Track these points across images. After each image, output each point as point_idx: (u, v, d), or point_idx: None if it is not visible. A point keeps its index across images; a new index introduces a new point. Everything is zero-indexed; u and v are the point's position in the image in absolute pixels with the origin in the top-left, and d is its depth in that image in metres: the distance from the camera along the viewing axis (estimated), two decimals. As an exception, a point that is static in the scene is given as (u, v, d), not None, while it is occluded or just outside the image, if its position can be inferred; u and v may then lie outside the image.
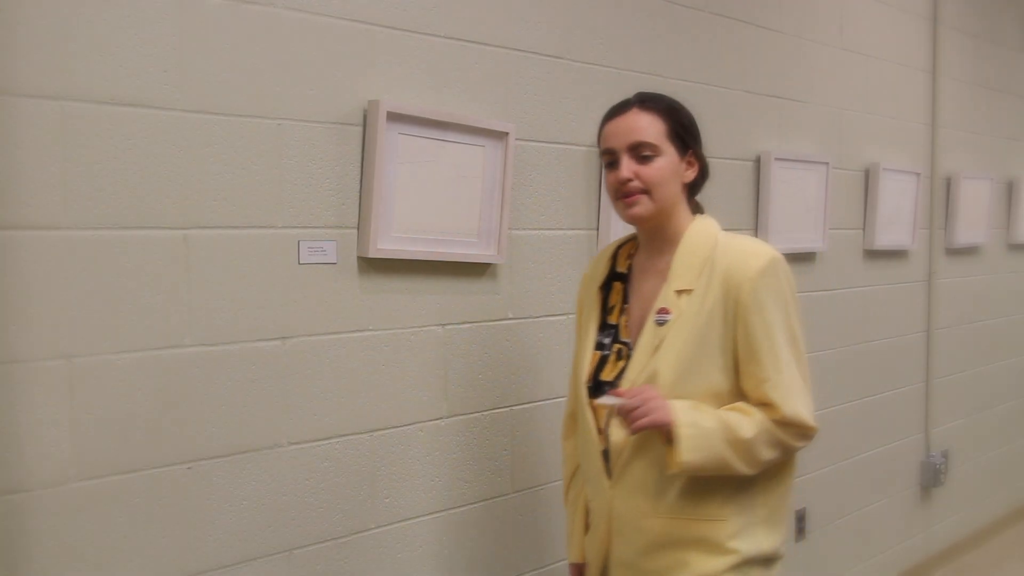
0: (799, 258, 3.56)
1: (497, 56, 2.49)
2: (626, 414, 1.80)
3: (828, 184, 3.61)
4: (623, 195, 1.90)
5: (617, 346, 1.96)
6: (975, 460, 4.84)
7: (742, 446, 1.81)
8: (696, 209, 2.00)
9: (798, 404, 1.85)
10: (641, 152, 1.89)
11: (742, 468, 1.82)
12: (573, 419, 2.11)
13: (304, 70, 2.10)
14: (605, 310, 2.01)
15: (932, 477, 4.40)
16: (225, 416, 2.00)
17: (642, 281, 1.98)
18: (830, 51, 3.70)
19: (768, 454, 1.85)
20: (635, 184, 1.88)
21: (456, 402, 2.43)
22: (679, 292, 1.87)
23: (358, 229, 2.20)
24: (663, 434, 1.80)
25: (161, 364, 1.90)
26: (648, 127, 1.90)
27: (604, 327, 2.00)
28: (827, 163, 3.60)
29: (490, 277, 2.49)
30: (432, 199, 2.31)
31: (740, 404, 1.85)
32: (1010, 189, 5.03)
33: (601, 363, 1.97)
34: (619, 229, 2.78)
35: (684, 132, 1.95)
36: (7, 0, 1.69)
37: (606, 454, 1.93)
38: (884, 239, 3.98)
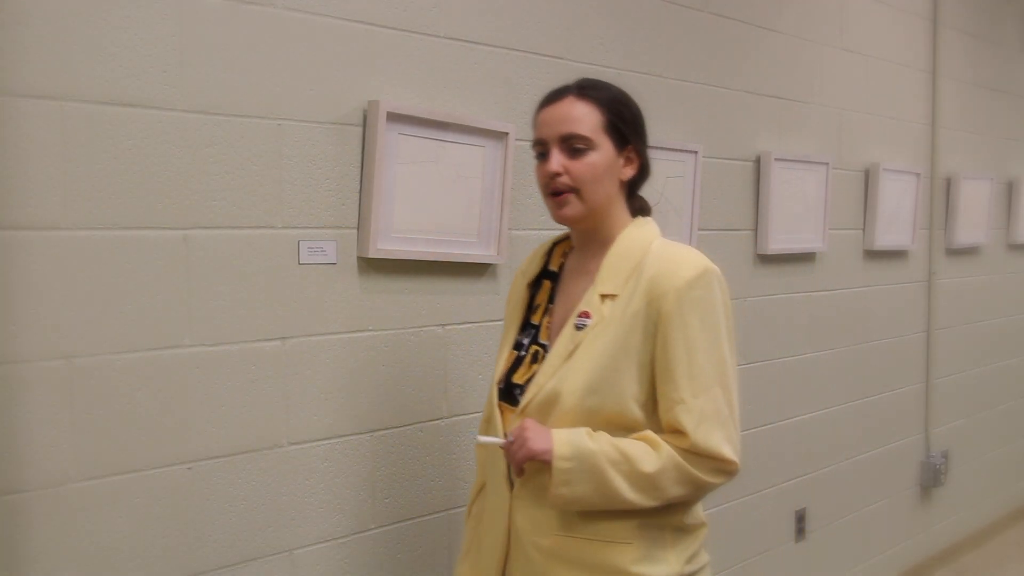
0: (799, 258, 3.57)
1: (497, 56, 2.49)
2: (506, 453, 1.70)
3: (828, 184, 3.61)
4: (552, 192, 1.75)
5: (534, 348, 1.82)
6: (975, 460, 4.84)
7: (642, 481, 1.64)
8: (639, 209, 1.85)
9: (715, 434, 1.65)
10: (573, 145, 1.73)
11: (643, 502, 1.66)
12: (487, 423, 1.91)
13: (304, 70, 2.10)
14: (530, 309, 1.88)
15: (932, 477, 4.40)
16: (225, 416, 2.00)
17: (571, 282, 1.84)
18: (830, 51, 3.70)
19: (676, 491, 1.67)
20: (563, 180, 1.73)
21: (456, 402, 2.43)
22: (604, 297, 1.73)
23: (358, 229, 2.21)
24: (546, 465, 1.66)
25: (161, 364, 1.90)
26: (583, 118, 1.73)
27: (526, 327, 1.87)
28: (827, 163, 3.60)
29: (490, 277, 2.49)
30: (432, 199, 2.31)
31: (648, 433, 1.68)
32: (1010, 189, 5.03)
33: (516, 364, 1.83)
34: (619, 229, 2.78)
35: (624, 125, 1.77)
36: (7, 0, 1.70)
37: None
38: (884, 239, 3.98)
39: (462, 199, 2.38)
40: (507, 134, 2.44)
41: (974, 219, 4.64)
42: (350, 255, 2.20)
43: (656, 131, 2.92)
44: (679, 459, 1.65)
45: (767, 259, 3.40)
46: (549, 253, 1.93)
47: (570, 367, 1.70)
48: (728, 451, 1.67)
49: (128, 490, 1.87)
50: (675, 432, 1.67)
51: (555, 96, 1.79)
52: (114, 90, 1.82)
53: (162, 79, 1.88)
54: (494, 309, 2.49)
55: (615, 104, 1.78)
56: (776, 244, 3.39)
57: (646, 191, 1.90)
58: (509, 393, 1.81)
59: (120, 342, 1.84)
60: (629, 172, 1.80)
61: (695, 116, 3.08)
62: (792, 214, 3.46)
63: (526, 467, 1.71)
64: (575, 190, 1.73)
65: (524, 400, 1.75)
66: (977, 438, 4.85)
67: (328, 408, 2.17)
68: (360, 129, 2.20)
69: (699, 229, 3.09)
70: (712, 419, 1.66)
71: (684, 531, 1.77)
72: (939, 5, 4.33)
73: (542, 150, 1.77)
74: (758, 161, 3.35)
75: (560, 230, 2.73)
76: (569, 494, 1.65)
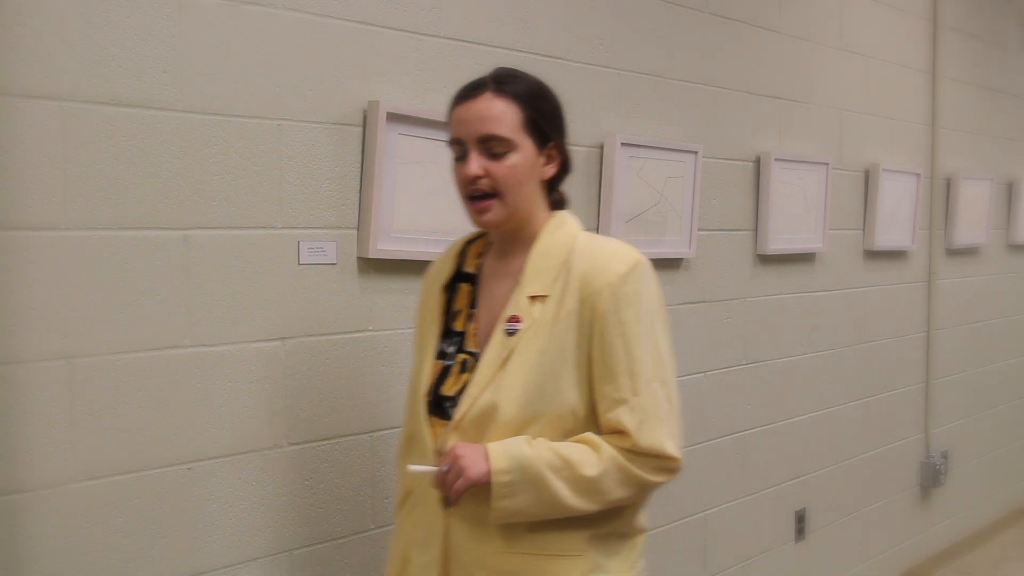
0: (799, 258, 3.57)
1: (497, 56, 2.48)
2: (440, 482, 1.61)
3: (828, 184, 3.61)
4: (471, 196, 1.67)
5: (462, 356, 1.72)
6: (975, 460, 4.84)
7: (585, 485, 1.58)
8: (557, 203, 1.78)
9: (658, 432, 1.61)
10: (492, 147, 1.64)
11: (586, 507, 1.60)
12: (411, 440, 1.81)
13: (304, 70, 2.10)
14: (449, 315, 1.78)
15: (932, 477, 4.40)
16: (225, 416, 2.00)
17: (493, 284, 1.74)
18: (830, 52, 3.70)
19: (619, 492, 1.62)
20: (484, 183, 1.64)
21: (456, 402, 2.42)
22: (532, 298, 1.65)
23: (358, 229, 2.20)
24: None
25: (161, 364, 1.90)
26: (502, 117, 1.64)
27: (448, 334, 1.76)
28: (827, 163, 3.60)
29: (490, 277, 2.49)
30: (432, 199, 2.31)
31: (589, 435, 1.62)
32: (1010, 189, 5.03)
33: (443, 375, 1.72)
34: (619, 229, 2.78)
35: (544, 122, 1.69)
36: (7, 1, 1.70)
37: None
38: (884, 240, 3.98)
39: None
40: (507, 134, 2.43)
41: (974, 219, 4.64)
42: (350, 255, 2.20)
43: (656, 131, 2.93)
44: (621, 460, 1.60)
45: (767, 259, 3.40)
46: (462, 254, 1.83)
47: (505, 376, 1.62)
48: (671, 448, 1.63)
49: (128, 490, 1.86)
50: (616, 432, 1.62)
51: (471, 91, 1.69)
52: (114, 90, 1.82)
53: (162, 80, 1.88)
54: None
55: (534, 99, 1.69)
56: (776, 244, 3.39)
57: (576, 186, 1.90)
58: (438, 406, 1.71)
59: (120, 342, 1.84)
60: (550, 171, 1.73)
61: (695, 116, 3.08)
62: (792, 214, 3.46)
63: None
64: (496, 193, 1.65)
65: (458, 413, 1.65)
66: (977, 438, 4.85)
67: (328, 408, 2.17)
68: (360, 129, 2.20)
69: (699, 229, 3.09)
70: (654, 416, 1.61)
71: (628, 537, 1.73)
72: (939, 6, 4.33)
73: (460, 151, 1.68)
74: (758, 161, 3.35)
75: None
76: (511, 506, 1.58)
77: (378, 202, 2.19)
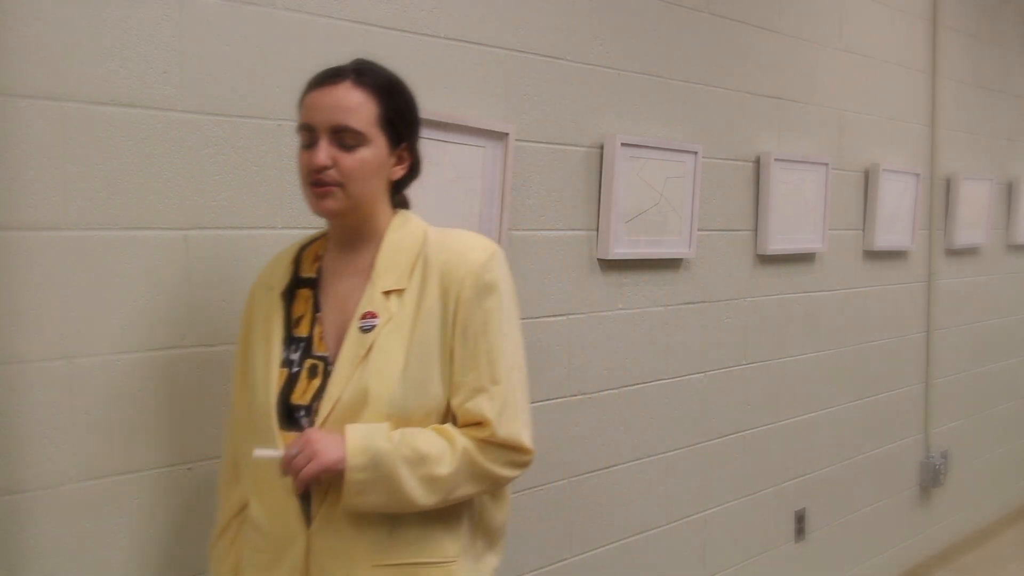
0: (799, 258, 3.57)
1: (497, 56, 2.49)
2: (288, 466, 1.51)
3: (828, 185, 3.61)
4: (314, 183, 1.60)
5: (310, 361, 1.62)
6: (975, 460, 4.84)
7: (436, 483, 1.54)
8: (401, 205, 1.73)
9: (516, 423, 1.59)
10: (344, 139, 1.58)
11: (432, 504, 1.55)
12: (236, 469, 1.75)
13: (304, 70, 2.09)
14: (290, 322, 1.67)
15: (932, 477, 4.40)
16: (225, 416, 2.00)
17: (339, 284, 1.66)
18: (830, 52, 3.70)
19: (468, 489, 1.58)
20: (331, 173, 1.58)
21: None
22: (387, 293, 1.60)
23: (358, 229, 2.20)
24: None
25: (161, 364, 1.90)
26: (358, 109, 1.58)
27: (290, 341, 1.65)
28: (827, 164, 3.60)
29: (490, 277, 2.48)
30: (432, 200, 2.31)
31: (446, 427, 1.58)
32: (1010, 190, 5.03)
33: (289, 383, 1.62)
34: (619, 229, 2.79)
35: (400, 121, 1.64)
36: (7, 1, 1.70)
37: (305, 494, 1.57)
38: (884, 240, 3.99)
39: (462, 199, 2.38)
40: (507, 134, 2.44)
41: (974, 219, 4.64)
42: (350, 255, 2.19)
43: (656, 131, 2.93)
44: (474, 454, 1.57)
45: (767, 259, 3.40)
46: (296, 260, 1.73)
47: (368, 373, 1.56)
48: (527, 439, 1.61)
49: (128, 491, 1.86)
50: (474, 423, 1.59)
51: (329, 79, 1.62)
52: (114, 90, 1.82)
53: (162, 80, 1.88)
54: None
55: (393, 95, 1.64)
56: (776, 244, 3.39)
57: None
58: (290, 417, 1.60)
59: (120, 342, 1.84)
60: (399, 171, 1.68)
61: (695, 116, 3.08)
62: (792, 214, 3.46)
63: (318, 481, 1.54)
64: (341, 185, 1.59)
65: (320, 417, 1.56)
66: (977, 438, 4.85)
67: (328, 408, 2.17)
68: (360, 129, 2.20)
69: (699, 229, 3.09)
70: (512, 406, 1.59)
71: (492, 534, 1.71)
72: (938, 5, 4.33)
73: (309, 138, 1.61)
74: (758, 161, 3.35)
75: (564, 231, 2.70)
76: (360, 503, 1.52)
77: (378, 202, 2.19)
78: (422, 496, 1.54)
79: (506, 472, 1.60)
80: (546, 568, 2.68)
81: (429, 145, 2.29)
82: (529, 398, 1.65)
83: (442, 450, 1.55)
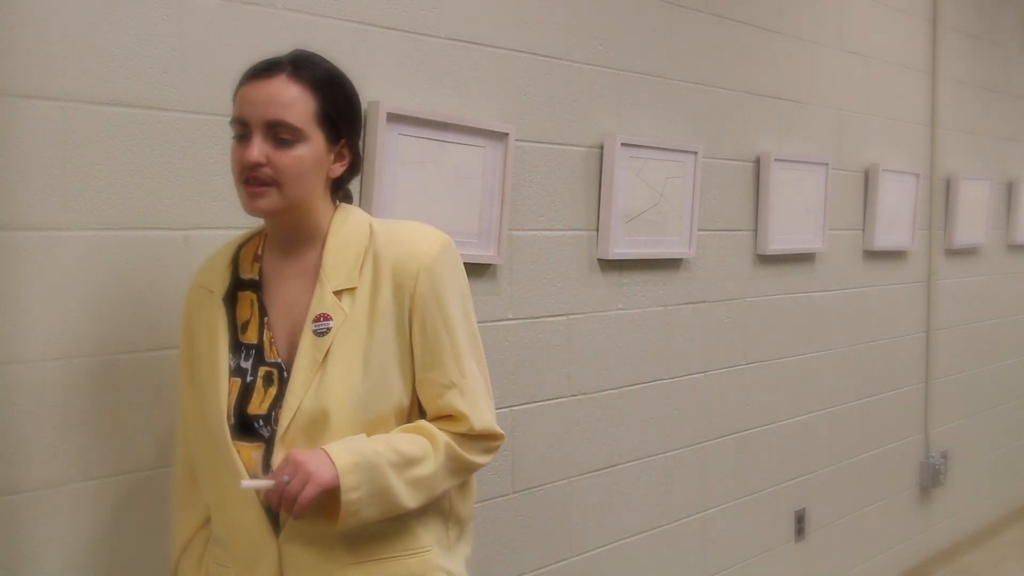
0: (799, 258, 3.57)
1: (497, 56, 2.49)
2: (283, 494, 1.43)
3: (828, 185, 3.61)
4: (247, 181, 1.52)
5: (264, 369, 1.55)
6: (975, 460, 4.84)
7: (422, 484, 1.51)
8: (344, 199, 1.67)
9: (486, 412, 1.59)
10: (279, 134, 1.50)
11: (414, 505, 1.52)
12: (193, 479, 1.66)
13: (304, 70, 2.09)
14: (236, 327, 1.59)
15: (932, 477, 4.40)
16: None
17: (284, 286, 1.59)
18: (830, 52, 3.70)
19: (448, 483, 1.57)
20: (265, 171, 1.50)
21: (456, 402, 2.42)
22: (339, 293, 1.53)
23: (358, 229, 2.20)
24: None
25: (161, 364, 1.90)
26: (294, 104, 1.51)
27: (238, 348, 1.58)
28: (827, 164, 3.60)
29: (490, 277, 2.49)
30: (432, 200, 2.31)
31: (422, 424, 1.55)
32: (1009, 190, 5.03)
33: (245, 393, 1.55)
34: (619, 229, 2.79)
35: (339, 117, 1.57)
36: (8, 1, 1.70)
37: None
38: (884, 240, 3.99)
39: (462, 199, 2.38)
40: (507, 134, 2.44)
41: (974, 219, 4.64)
42: (350, 255, 2.19)
43: (656, 131, 2.93)
44: (454, 448, 1.54)
45: (767, 259, 3.40)
46: (235, 260, 1.65)
47: (328, 378, 1.50)
48: (497, 425, 1.61)
49: (128, 491, 1.86)
50: (447, 417, 1.57)
51: (265, 71, 1.54)
52: (114, 90, 1.82)
53: (162, 80, 1.88)
54: (494, 309, 2.49)
55: (331, 90, 1.56)
56: (776, 244, 3.39)
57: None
58: (248, 428, 1.54)
59: (120, 342, 1.84)
60: (339, 169, 1.60)
61: (695, 116, 3.08)
62: (792, 214, 3.46)
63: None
64: (276, 183, 1.51)
65: (282, 425, 1.50)
66: (977, 438, 4.85)
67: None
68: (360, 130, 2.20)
69: (699, 229, 3.09)
70: (481, 397, 1.59)
71: (463, 523, 1.69)
72: (938, 6, 4.33)
73: (242, 132, 1.53)
74: (758, 161, 3.35)
75: (564, 231, 2.70)
76: (356, 522, 1.47)
77: (378, 203, 2.19)
78: (411, 499, 1.51)
79: (482, 459, 1.61)
80: (546, 568, 2.68)
81: (429, 145, 2.29)
82: (489, 382, 1.65)
83: (425, 449, 1.52)
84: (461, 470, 1.59)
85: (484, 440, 1.60)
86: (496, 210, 2.45)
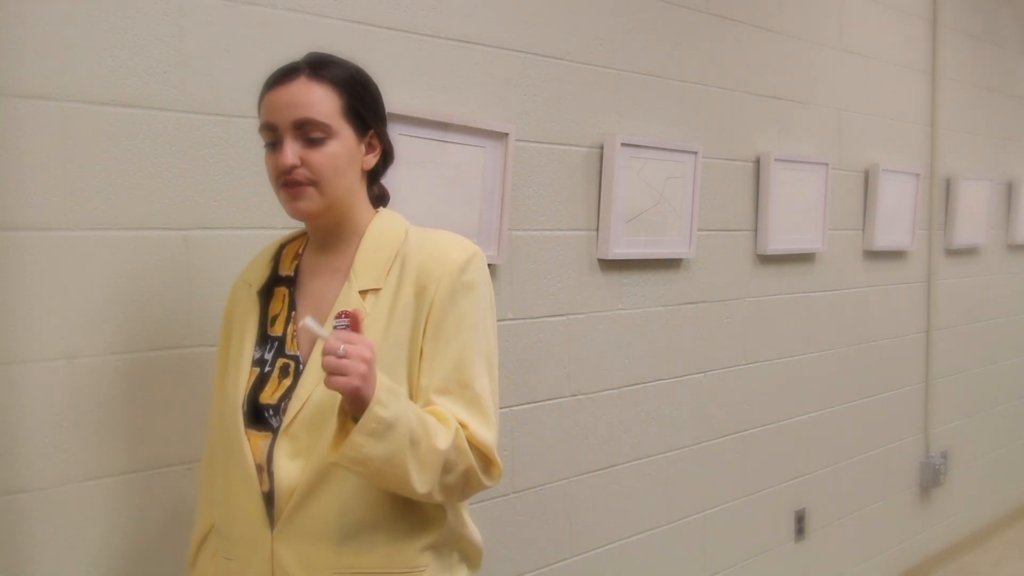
0: (799, 258, 3.57)
1: (497, 56, 2.49)
2: (330, 360, 1.35)
3: (828, 185, 3.62)
4: (286, 184, 1.53)
5: (282, 361, 1.57)
6: (975, 460, 4.84)
7: (432, 457, 1.44)
8: (378, 198, 1.68)
9: (488, 432, 1.52)
10: (309, 133, 1.51)
11: (419, 486, 1.44)
12: (213, 463, 1.66)
13: (304, 70, 2.10)
14: (265, 321, 1.62)
15: (932, 477, 4.40)
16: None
17: (316, 283, 1.61)
18: (830, 52, 3.70)
19: (452, 479, 1.49)
20: (301, 172, 1.51)
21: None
22: (364, 292, 1.54)
23: (358, 229, 2.20)
24: (344, 407, 1.40)
25: (161, 364, 1.90)
26: (319, 102, 1.52)
27: (264, 340, 1.60)
28: (827, 164, 3.61)
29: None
30: (432, 200, 2.31)
31: (434, 408, 1.50)
32: (1009, 190, 5.03)
33: (260, 383, 1.56)
34: (619, 229, 2.79)
35: (364, 109, 1.58)
36: (8, 1, 1.70)
37: (269, 497, 1.51)
38: (884, 240, 3.99)
39: (462, 199, 2.38)
40: (507, 134, 2.44)
41: (974, 219, 4.65)
42: (350, 255, 2.19)
43: (656, 131, 2.93)
44: (464, 441, 1.49)
45: (767, 259, 3.40)
46: (276, 258, 1.68)
47: None
48: (497, 455, 1.53)
49: (128, 491, 1.86)
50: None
51: (284, 76, 1.55)
52: (114, 90, 1.82)
53: (162, 80, 1.88)
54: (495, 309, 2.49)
55: (353, 85, 1.57)
56: (776, 244, 3.39)
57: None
58: (258, 418, 1.54)
59: (120, 342, 1.84)
60: (372, 160, 1.61)
61: (695, 116, 3.08)
62: (792, 214, 3.46)
63: (295, 495, 1.46)
64: (314, 183, 1.52)
65: (288, 416, 1.50)
66: (977, 438, 4.85)
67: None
68: (360, 129, 2.20)
69: (699, 229, 3.09)
70: (484, 412, 1.53)
71: (467, 544, 1.65)
72: (938, 6, 4.33)
73: (273, 138, 1.54)
74: (758, 161, 3.35)
75: (564, 231, 2.71)
76: (367, 451, 1.38)
77: (378, 202, 2.19)
78: (416, 470, 1.43)
79: (482, 478, 1.53)
80: (546, 568, 2.68)
81: (429, 145, 2.29)
82: (497, 405, 1.57)
83: (436, 424, 1.47)
84: (466, 471, 1.50)
85: (481, 456, 1.52)
86: (496, 210, 2.45)
